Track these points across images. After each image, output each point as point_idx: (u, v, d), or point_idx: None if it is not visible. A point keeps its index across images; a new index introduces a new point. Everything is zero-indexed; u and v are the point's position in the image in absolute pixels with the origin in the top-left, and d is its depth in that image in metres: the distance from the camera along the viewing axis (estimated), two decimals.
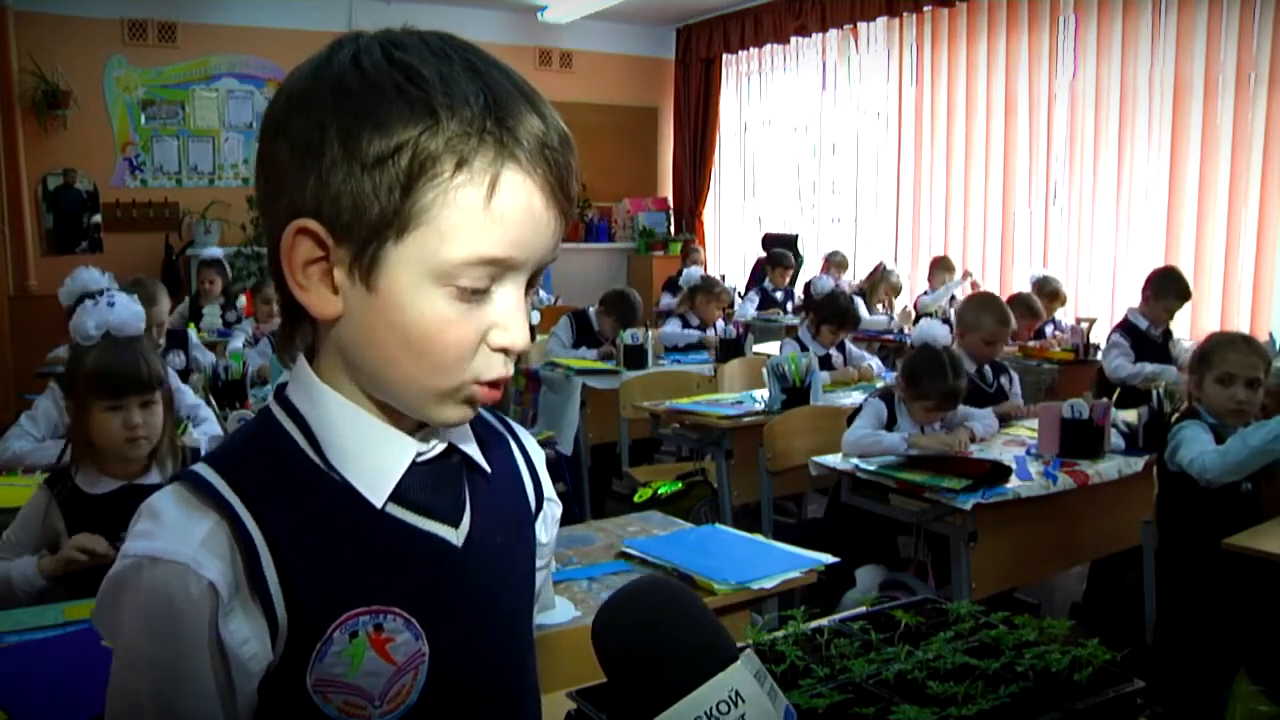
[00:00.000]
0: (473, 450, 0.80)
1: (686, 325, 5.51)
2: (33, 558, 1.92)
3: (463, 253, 0.68)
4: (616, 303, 5.06)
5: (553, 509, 0.92)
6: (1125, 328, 4.59)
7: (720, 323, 5.38)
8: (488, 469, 0.82)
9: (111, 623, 0.71)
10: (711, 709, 0.66)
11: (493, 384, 0.73)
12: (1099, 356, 4.72)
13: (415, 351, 0.70)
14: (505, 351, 0.73)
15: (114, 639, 0.71)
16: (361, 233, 0.68)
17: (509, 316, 0.72)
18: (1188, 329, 5.67)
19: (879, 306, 6.63)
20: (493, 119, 0.68)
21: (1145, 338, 4.53)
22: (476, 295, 0.70)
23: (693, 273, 5.91)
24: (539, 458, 0.91)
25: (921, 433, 3.11)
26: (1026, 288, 5.77)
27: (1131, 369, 4.42)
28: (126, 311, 2.06)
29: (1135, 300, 4.75)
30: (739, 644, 0.75)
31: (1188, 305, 5.77)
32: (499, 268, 0.70)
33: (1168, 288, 4.56)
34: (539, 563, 0.90)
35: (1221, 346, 2.77)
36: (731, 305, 6.50)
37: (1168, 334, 4.64)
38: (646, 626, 0.70)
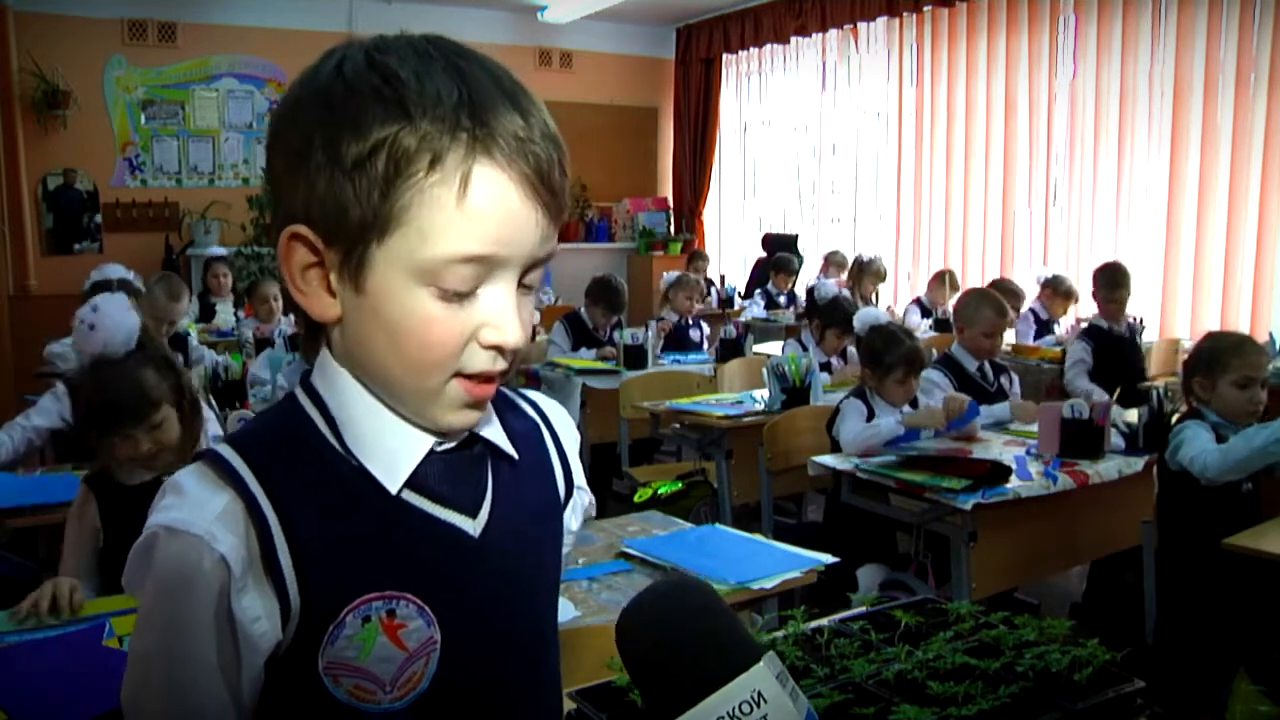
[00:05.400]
0: (498, 437, 0.81)
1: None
2: None
3: (442, 250, 0.69)
4: (599, 291, 5.14)
5: (582, 497, 0.92)
6: (1089, 334, 4.58)
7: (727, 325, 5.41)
8: (515, 456, 0.82)
9: (138, 588, 0.74)
10: (734, 709, 0.66)
11: (479, 378, 0.73)
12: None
13: (402, 350, 0.71)
14: (499, 350, 0.73)
15: (140, 601, 0.75)
16: (347, 236, 0.70)
17: (500, 314, 0.72)
18: (1188, 329, 5.68)
19: (873, 298, 6.63)
20: (466, 114, 0.68)
21: (1110, 336, 4.54)
22: (461, 295, 0.71)
23: (669, 277, 5.89)
24: (571, 443, 0.91)
25: (901, 414, 3.18)
26: (1032, 287, 5.77)
27: (1086, 386, 4.35)
28: (106, 329, 1.94)
29: (1135, 299, 4.76)
30: None
31: (1188, 305, 5.80)
32: (483, 266, 0.70)
33: (1117, 280, 4.58)
34: (563, 550, 0.90)
35: (1236, 350, 2.74)
36: (707, 295, 6.54)
37: (1134, 329, 4.66)
38: (670, 626, 0.70)
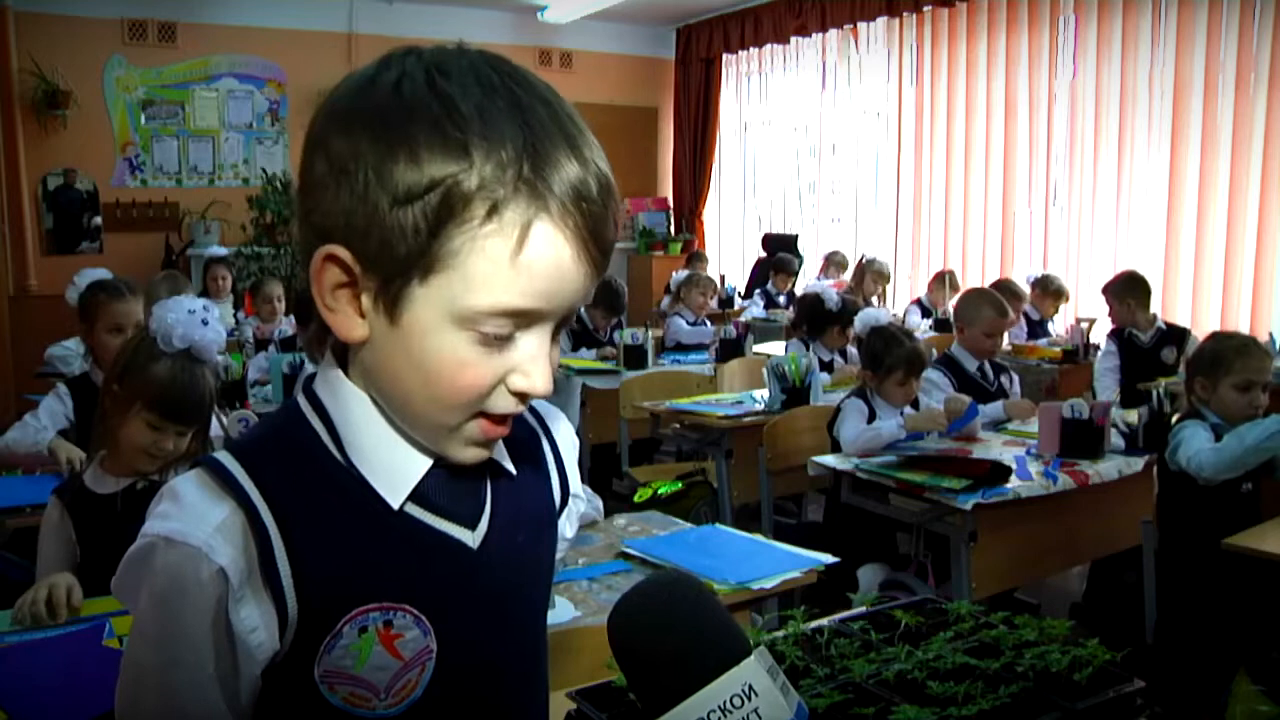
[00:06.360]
0: (498, 454, 0.80)
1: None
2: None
3: (486, 301, 0.67)
4: (600, 292, 5.16)
5: (578, 504, 0.92)
6: (1117, 335, 4.54)
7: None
8: (513, 471, 0.81)
9: (130, 596, 0.73)
10: (725, 703, 0.66)
11: (497, 418, 0.73)
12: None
13: (431, 388, 0.70)
14: (524, 395, 0.72)
15: (132, 610, 0.74)
16: (387, 267, 0.68)
17: (532, 362, 0.71)
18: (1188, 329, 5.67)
19: (874, 300, 6.62)
20: (529, 163, 0.66)
21: (1130, 344, 4.48)
22: (499, 340, 0.69)
23: (679, 275, 5.99)
24: (570, 451, 0.91)
25: (902, 415, 3.17)
26: (1026, 289, 5.77)
27: (1110, 388, 4.35)
28: (215, 334, 1.98)
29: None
30: None
31: (1188, 305, 5.80)
32: (524, 318, 0.69)
33: (1125, 289, 4.52)
34: (557, 555, 0.90)
35: (1239, 352, 2.74)
36: (715, 294, 6.59)
37: (1165, 338, 4.52)
38: (661, 621, 0.70)
